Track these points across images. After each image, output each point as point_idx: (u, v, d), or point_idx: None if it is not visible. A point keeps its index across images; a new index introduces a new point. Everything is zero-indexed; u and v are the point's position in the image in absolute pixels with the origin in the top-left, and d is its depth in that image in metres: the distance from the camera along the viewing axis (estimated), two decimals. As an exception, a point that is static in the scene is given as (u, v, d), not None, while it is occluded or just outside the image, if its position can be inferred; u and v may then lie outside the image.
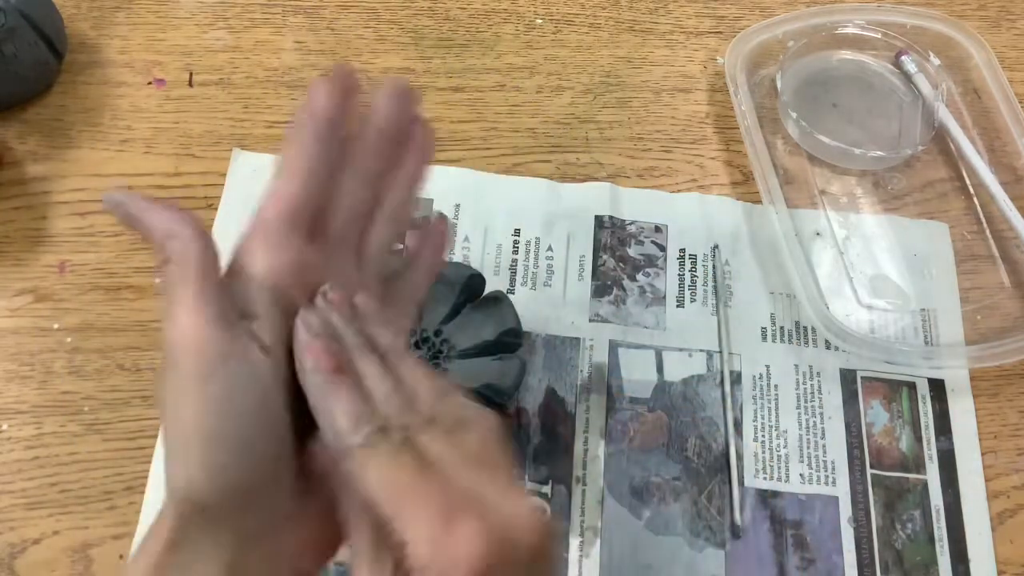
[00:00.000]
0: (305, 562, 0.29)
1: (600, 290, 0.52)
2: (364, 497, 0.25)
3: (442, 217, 0.35)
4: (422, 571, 0.24)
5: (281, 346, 0.27)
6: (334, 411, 0.26)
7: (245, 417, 0.25)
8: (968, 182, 0.57)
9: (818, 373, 0.50)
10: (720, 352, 0.50)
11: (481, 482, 0.26)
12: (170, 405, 0.25)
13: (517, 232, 0.54)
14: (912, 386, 0.50)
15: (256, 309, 0.27)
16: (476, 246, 0.53)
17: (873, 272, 0.53)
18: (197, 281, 0.26)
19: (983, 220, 0.56)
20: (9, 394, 0.48)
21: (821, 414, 0.49)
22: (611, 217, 0.55)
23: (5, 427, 0.47)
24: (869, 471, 0.48)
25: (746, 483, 0.47)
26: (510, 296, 0.49)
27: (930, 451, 0.48)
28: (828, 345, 0.51)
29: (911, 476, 0.48)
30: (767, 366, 0.50)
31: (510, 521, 0.25)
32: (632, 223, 0.55)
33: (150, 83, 0.59)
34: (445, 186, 0.55)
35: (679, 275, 0.53)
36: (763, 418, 0.49)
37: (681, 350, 0.50)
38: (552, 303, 0.52)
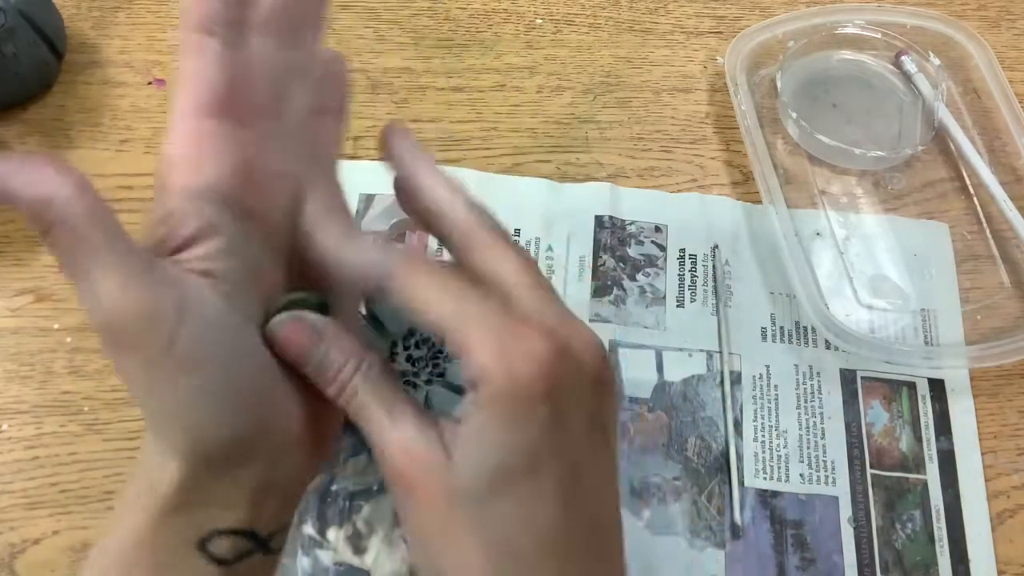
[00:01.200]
0: (313, 469, 0.29)
1: (600, 290, 0.52)
2: (418, 316, 0.25)
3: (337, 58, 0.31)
4: (484, 384, 0.24)
5: (244, 263, 0.26)
6: (354, 247, 0.26)
7: (225, 365, 0.24)
8: (968, 182, 0.57)
9: (818, 373, 0.50)
10: (720, 352, 0.50)
11: (538, 299, 0.26)
12: (138, 383, 0.24)
13: (517, 232, 0.54)
14: (912, 386, 0.50)
15: (198, 232, 0.25)
16: (476, 246, 0.53)
17: (873, 272, 0.53)
18: (99, 245, 0.22)
19: (983, 220, 0.56)
20: (9, 394, 0.48)
21: (821, 414, 0.49)
22: (611, 217, 0.55)
23: (5, 427, 0.47)
24: (869, 471, 0.48)
25: (746, 483, 0.47)
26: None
27: (930, 451, 0.48)
28: (828, 345, 0.51)
29: (911, 476, 0.48)
30: (767, 366, 0.50)
31: (573, 339, 0.25)
32: (632, 223, 0.55)
33: (150, 83, 0.59)
34: (445, 186, 0.55)
35: (679, 275, 0.53)
36: (763, 418, 0.49)
37: (681, 350, 0.51)
38: (552, 303, 0.52)
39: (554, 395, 0.24)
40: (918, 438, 0.49)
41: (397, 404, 0.26)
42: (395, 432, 0.25)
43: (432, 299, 0.25)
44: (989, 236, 0.55)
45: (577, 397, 0.25)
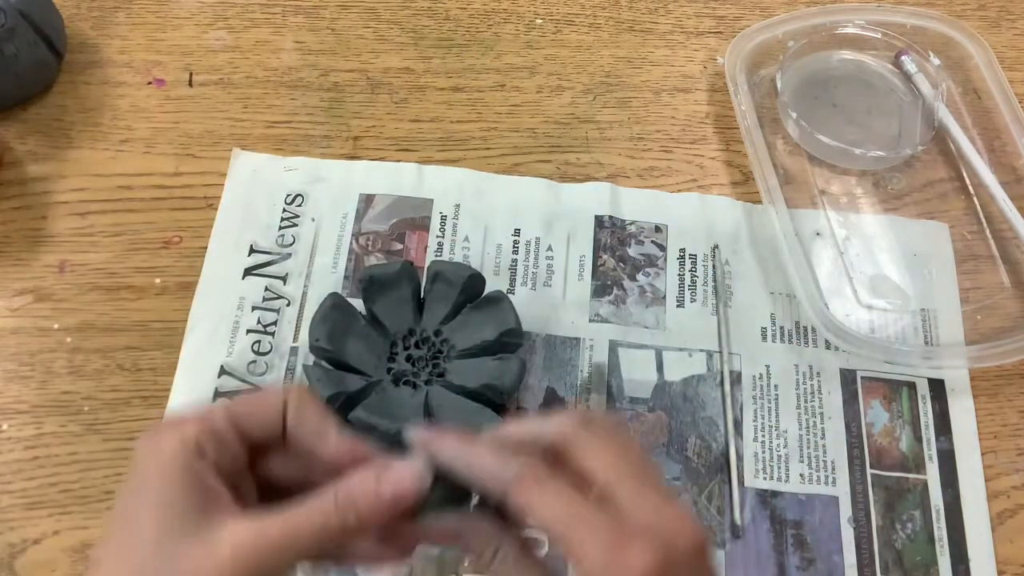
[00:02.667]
0: None
1: (600, 290, 0.52)
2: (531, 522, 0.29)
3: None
4: None
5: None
6: (481, 463, 0.30)
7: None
8: (968, 182, 0.57)
9: (818, 373, 0.50)
10: (720, 352, 0.50)
11: (637, 492, 0.29)
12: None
13: (517, 232, 0.54)
14: (912, 386, 0.50)
15: None
16: (476, 246, 0.53)
17: (873, 272, 0.53)
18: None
19: (983, 220, 0.56)
20: (9, 394, 0.48)
21: (821, 414, 0.49)
22: (611, 217, 0.55)
23: (5, 427, 0.47)
24: (869, 471, 0.48)
25: (746, 483, 0.47)
26: (510, 296, 0.49)
27: (930, 451, 0.48)
28: (828, 345, 0.51)
29: (911, 476, 0.48)
30: (767, 366, 0.50)
31: (679, 539, 0.28)
32: (632, 223, 0.55)
33: (150, 83, 0.59)
34: (445, 186, 0.55)
35: (679, 275, 0.53)
36: (763, 418, 0.49)
37: (681, 350, 0.50)
38: (552, 303, 0.52)
39: None
40: (918, 438, 0.49)
41: None
42: None
43: (546, 507, 0.28)
44: (989, 236, 0.55)
45: None
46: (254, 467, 0.32)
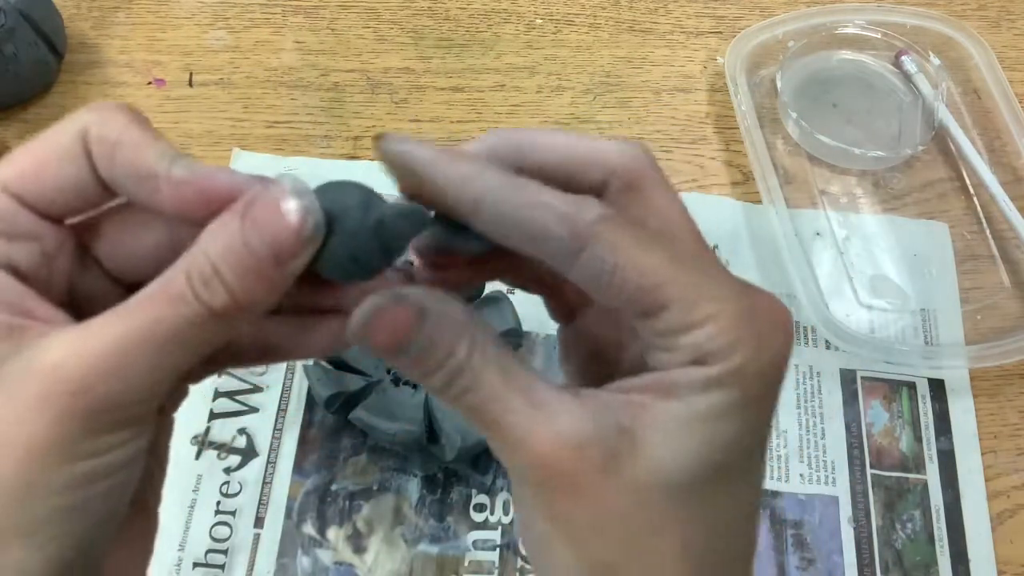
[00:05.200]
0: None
1: (600, 290, 0.52)
2: (616, 286, 0.20)
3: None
4: (721, 360, 0.20)
5: None
6: (549, 200, 0.20)
7: None
8: (968, 182, 0.57)
9: (818, 373, 0.50)
10: (720, 352, 0.50)
11: (720, 266, 0.22)
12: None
13: (517, 232, 0.54)
14: (912, 386, 0.50)
15: None
16: (476, 246, 0.53)
17: (873, 272, 0.53)
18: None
19: (983, 220, 0.56)
20: (9, 394, 0.48)
21: (821, 414, 0.49)
22: (611, 217, 0.55)
23: (5, 427, 0.47)
24: (869, 471, 0.48)
25: (746, 483, 0.47)
26: (510, 296, 0.49)
27: (930, 451, 0.48)
28: (828, 345, 0.51)
29: (911, 476, 0.48)
30: (767, 366, 0.50)
31: (780, 307, 0.21)
32: (632, 223, 0.55)
33: (150, 83, 0.59)
34: (445, 186, 0.55)
35: (679, 275, 0.53)
36: (763, 418, 0.49)
37: (681, 350, 0.50)
38: (552, 303, 0.52)
39: (787, 369, 0.21)
40: (918, 438, 0.49)
41: (535, 384, 0.21)
42: (547, 421, 0.20)
43: (651, 258, 0.20)
44: (989, 236, 0.55)
45: None
46: (90, 248, 0.22)
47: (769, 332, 0.20)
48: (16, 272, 0.20)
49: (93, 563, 0.21)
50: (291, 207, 0.18)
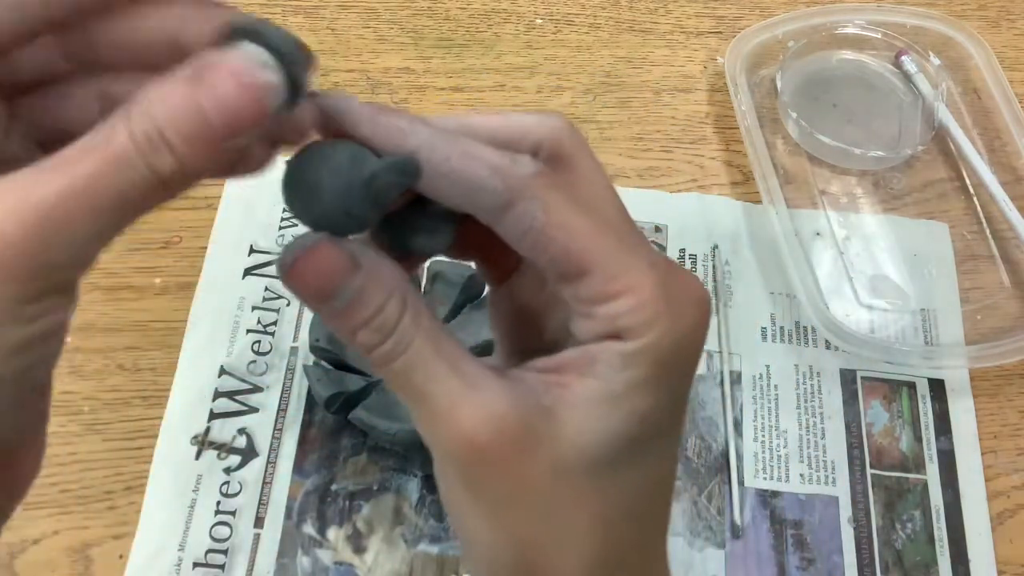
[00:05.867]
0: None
1: (600, 290, 0.52)
2: (546, 248, 0.20)
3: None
4: (638, 335, 0.20)
5: None
6: (480, 151, 0.20)
7: None
8: (968, 182, 0.57)
9: (818, 373, 0.50)
10: (720, 352, 0.50)
11: (637, 231, 0.22)
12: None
13: (517, 232, 0.54)
14: (912, 386, 0.50)
15: None
16: (476, 246, 0.53)
17: (873, 272, 0.53)
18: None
19: (983, 220, 0.56)
20: (9, 394, 0.48)
21: (821, 414, 0.49)
22: (611, 217, 0.55)
23: (5, 427, 0.47)
24: (869, 471, 0.48)
25: (746, 483, 0.47)
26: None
27: (930, 451, 0.48)
28: (828, 345, 0.51)
29: (911, 476, 0.48)
30: (767, 366, 0.50)
31: (696, 283, 0.22)
32: (632, 223, 0.55)
33: (150, 83, 0.59)
34: (445, 186, 0.55)
35: (679, 275, 0.53)
36: (763, 418, 0.49)
37: (681, 350, 0.50)
38: (552, 303, 0.52)
39: (704, 341, 0.22)
40: (918, 438, 0.49)
41: (464, 357, 0.21)
42: (472, 396, 0.20)
43: (577, 221, 0.20)
44: (989, 236, 0.55)
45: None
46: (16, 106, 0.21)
47: (686, 307, 0.21)
48: None
49: (5, 444, 0.20)
50: (257, 82, 0.18)
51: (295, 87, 0.19)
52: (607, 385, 0.20)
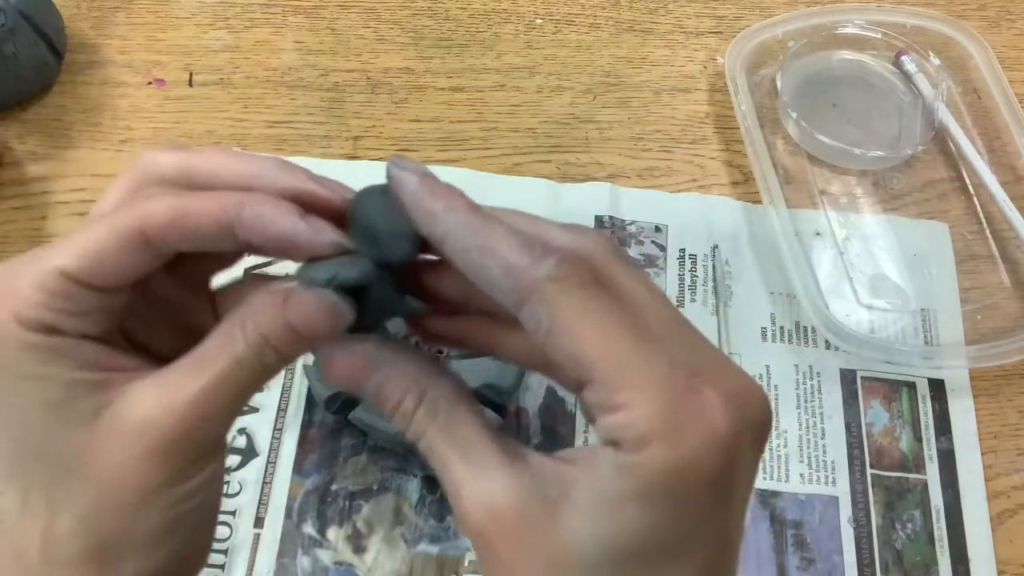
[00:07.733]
0: None
1: (600, 290, 0.52)
2: (556, 351, 0.21)
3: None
4: (639, 448, 0.20)
5: None
6: (500, 248, 0.21)
7: None
8: (968, 182, 0.57)
9: (818, 373, 0.50)
10: (720, 352, 0.50)
11: (689, 338, 0.22)
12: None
13: (517, 232, 0.54)
14: (912, 386, 0.50)
15: None
16: (476, 246, 0.53)
17: (873, 272, 0.53)
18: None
19: (983, 220, 0.56)
20: (9, 394, 0.48)
21: (821, 414, 0.49)
22: (611, 217, 0.55)
23: (5, 427, 0.47)
24: (869, 471, 0.48)
25: (746, 483, 0.47)
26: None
27: (930, 451, 0.48)
28: (828, 345, 0.51)
29: (911, 476, 0.48)
30: (767, 366, 0.50)
31: (749, 399, 0.21)
32: (632, 223, 0.55)
33: (150, 83, 0.59)
34: (445, 186, 0.55)
35: (679, 275, 0.53)
36: (763, 418, 0.49)
37: (681, 350, 0.50)
38: (552, 303, 0.51)
39: (726, 474, 0.20)
40: (918, 438, 0.49)
41: (475, 445, 0.22)
42: (475, 483, 0.22)
43: (592, 325, 0.20)
44: (989, 236, 0.55)
45: (747, 473, 0.22)
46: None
47: (692, 433, 0.20)
48: (88, 336, 0.22)
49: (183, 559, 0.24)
50: (322, 307, 0.23)
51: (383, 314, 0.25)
52: (604, 489, 0.21)
